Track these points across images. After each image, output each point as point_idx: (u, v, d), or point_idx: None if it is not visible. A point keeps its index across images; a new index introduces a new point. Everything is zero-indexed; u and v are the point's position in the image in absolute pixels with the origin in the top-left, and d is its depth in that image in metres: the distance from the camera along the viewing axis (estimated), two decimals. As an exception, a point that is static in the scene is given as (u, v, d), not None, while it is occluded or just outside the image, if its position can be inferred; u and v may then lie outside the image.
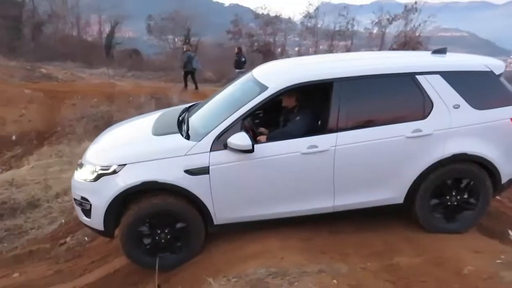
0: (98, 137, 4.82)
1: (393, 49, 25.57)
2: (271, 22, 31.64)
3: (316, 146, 3.71)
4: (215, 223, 3.83)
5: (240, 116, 3.73)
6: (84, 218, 3.97)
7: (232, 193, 3.76)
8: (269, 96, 3.78)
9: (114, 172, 3.69)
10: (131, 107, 13.12)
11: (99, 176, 3.75)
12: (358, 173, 3.82)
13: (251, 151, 3.57)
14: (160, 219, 3.76)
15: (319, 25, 31.09)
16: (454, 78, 3.90)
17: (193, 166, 3.64)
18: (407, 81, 3.87)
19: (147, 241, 3.80)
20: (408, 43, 26.19)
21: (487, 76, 3.98)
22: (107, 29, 34.08)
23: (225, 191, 3.73)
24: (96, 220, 3.82)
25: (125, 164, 3.69)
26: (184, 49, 17.37)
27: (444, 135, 3.80)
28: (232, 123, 3.70)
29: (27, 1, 31.17)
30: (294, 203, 3.83)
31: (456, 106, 3.85)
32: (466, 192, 3.93)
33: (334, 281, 3.03)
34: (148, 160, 3.71)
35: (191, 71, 16.23)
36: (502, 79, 4.09)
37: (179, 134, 3.93)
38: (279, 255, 3.48)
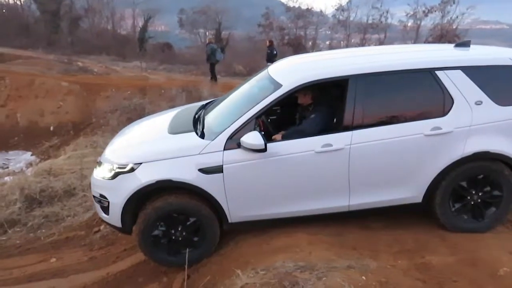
0: (116, 136, 4.91)
1: (428, 43, 24.80)
2: (303, 15, 31.34)
3: (330, 145, 3.65)
4: (229, 221, 3.85)
5: (254, 115, 3.71)
6: (103, 215, 4.07)
7: (246, 191, 3.77)
8: (282, 94, 3.73)
9: (131, 170, 3.76)
10: (163, 100, 13.35)
11: (116, 175, 3.82)
12: (374, 172, 3.75)
13: (264, 150, 3.54)
14: (175, 218, 3.82)
15: (351, 18, 30.55)
16: (477, 73, 3.73)
17: (207, 165, 3.66)
18: (426, 77, 3.72)
19: (163, 240, 3.87)
20: (444, 36, 25.29)
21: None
22: (140, 23, 34.73)
23: (238, 190, 3.74)
24: (114, 217, 3.90)
25: (141, 163, 3.75)
26: (207, 41, 17.48)
27: (465, 132, 3.65)
28: (246, 121, 3.68)
29: (65, -4, 32.14)
30: (308, 201, 3.80)
31: (479, 103, 3.69)
32: (489, 190, 3.78)
33: (363, 277, 3.00)
34: (163, 159, 3.74)
35: (214, 63, 16.31)
36: None
37: (194, 133, 3.94)
38: (307, 250, 3.48)
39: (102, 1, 34.62)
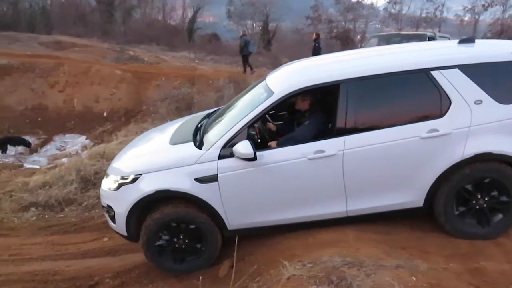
0: (125, 148, 5.05)
1: (486, 39, 23.51)
2: (352, 8, 30.70)
3: (323, 151, 3.59)
4: (229, 228, 3.89)
5: (247, 123, 3.71)
6: (111, 224, 4.21)
7: (242, 199, 3.78)
8: (274, 102, 3.71)
9: (132, 181, 3.88)
10: (211, 90, 13.61)
11: (120, 186, 3.96)
12: (370, 177, 3.64)
13: (254, 159, 3.55)
14: (176, 227, 3.91)
15: (403, 11, 29.52)
16: (476, 71, 3.53)
17: (203, 174, 3.71)
18: (421, 77, 3.56)
19: (168, 249, 3.96)
20: (505, 31, 23.89)
21: None
22: (190, 14, 35.38)
23: (235, 198, 3.76)
24: (120, 226, 4.04)
25: (141, 174, 3.87)
26: (241, 34, 17.59)
27: (465, 134, 3.46)
28: (239, 130, 3.70)
29: (119, -13, 33.33)
30: (305, 208, 3.76)
31: (478, 102, 3.48)
32: (495, 194, 3.55)
33: (413, 277, 2.94)
34: (162, 169, 3.84)
35: (246, 55, 16.36)
36: None
37: (192, 143, 3.99)
38: (355, 246, 3.45)
39: (154, -8, 35.57)
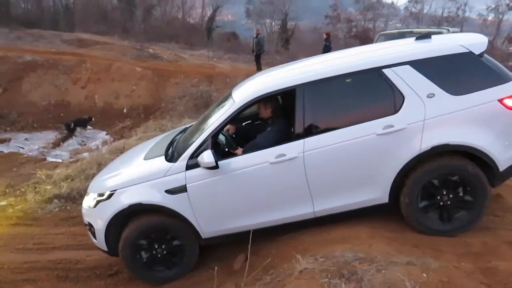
0: (107, 166, 5.21)
1: (510, 39, 23.04)
2: (372, 7, 30.41)
3: (284, 155, 3.66)
4: (203, 237, 3.98)
5: (211, 133, 3.82)
6: (93, 240, 4.30)
7: (212, 207, 3.87)
8: (235, 111, 3.83)
9: (108, 198, 4.00)
10: (229, 88, 13.60)
11: (97, 203, 4.08)
12: (333, 176, 3.70)
13: (216, 167, 3.64)
14: (153, 237, 4.01)
15: (425, 11, 29.10)
16: (426, 65, 3.59)
17: (172, 186, 3.82)
18: (373, 76, 3.64)
19: (145, 255, 4.05)
20: (529, 31, 23.33)
21: (465, 57, 3.59)
22: (209, 12, 35.60)
23: (204, 207, 3.85)
24: (100, 242, 4.14)
25: (116, 190, 3.99)
26: (256, 33, 17.24)
27: (420, 127, 3.52)
28: (204, 140, 3.80)
29: (140, -15, 33.77)
30: (275, 212, 3.82)
31: (431, 95, 3.53)
32: (458, 188, 3.59)
33: (424, 274, 2.98)
34: (134, 184, 3.95)
35: (261, 53, 16.34)
36: (485, 57, 3.62)
37: (163, 157, 4.10)
38: (367, 243, 3.50)
39: (175, -10, 35.92)
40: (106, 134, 13.09)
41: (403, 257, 3.22)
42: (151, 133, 10.29)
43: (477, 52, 3.62)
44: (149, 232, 4.00)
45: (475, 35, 4.20)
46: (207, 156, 3.64)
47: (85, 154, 10.44)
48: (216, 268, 3.55)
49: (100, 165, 7.24)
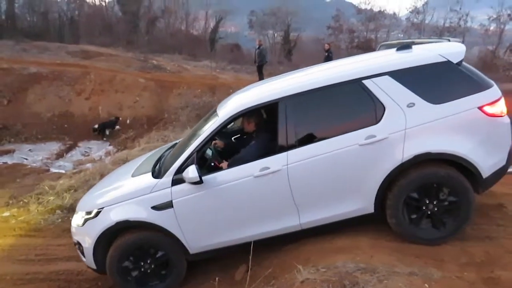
0: (96, 185, 5.22)
1: (512, 48, 23.11)
2: (374, 17, 30.57)
3: (268, 168, 3.68)
4: (190, 252, 3.98)
5: (195, 148, 3.85)
6: (83, 259, 4.31)
7: (198, 223, 3.88)
8: (218, 126, 3.87)
9: (95, 216, 4.02)
10: (231, 99, 13.74)
11: (85, 221, 4.10)
12: (317, 188, 3.71)
13: (200, 182, 3.66)
14: (139, 253, 4.01)
15: (426, 21, 29.22)
16: (405, 75, 3.63)
17: (158, 202, 3.84)
18: (354, 88, 3.69)
19: (134, 273, 4.04)
20: (531, 41, 23.36)
21: (443, 66, 3.63)
22: (212, 24, 35.91)
23: (191, 222, 3.87)
24: (89, 260, 4.16)
25: (103, 208, 4.01)
26: (258, 44, 17.23)
27: (401, 137, 3.55)
28: (189, 155, 3.83)
29: (144, -2, 34.18)
30: (261, 225, 3.83)
31: (411, 105, 3.56)
32: (441, 196, 3.59)
33: (426, 285, 2.96)
34: (121, 201, 3.97)
35: (263, 64, 16.39)
36: (464, 66, 3.67)
37: (150, 173, 4.12)
38: (369, 253, 3.49)
39: (178, 3, 36.30)
40: (110, 145, 13.15)
41: (405, 268, 3.21)
42: (154, 144, 10.34)
43: (455, 61, 3.67)
44: (134, 250, 3.99)
45: (454, 44, 4.30)
46: (192, 171, 3.66)
47: (88, 165, 10.49)
48: (217, 278, 3.55)
49: (103, 176, 7.23)
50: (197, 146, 3.87)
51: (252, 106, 3.93)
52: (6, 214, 6.92)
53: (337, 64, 4.49)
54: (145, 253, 4.02)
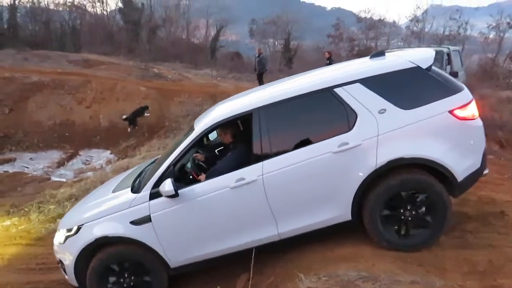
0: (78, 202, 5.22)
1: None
2: (374, 26, 30.69)
3: (243, 178, 3.69)
4: (171, 267, 3.97)
5: (172, 162, 3.88)
6: (65, 277, 4.28)
7: (177, 236, 3.88)
8: (194, 139, 3.91)
9: (75, 233, 4.02)
10: (232, 107, 13.76)
11: (66, 238, 4.10)
12: (293, 197, 3.72)
13: (175, 195, 3.67)
14: (119, 268, 4.00)
15: (426, 29, 29.33)
16: (376, 82, 3.67)
17: (137, 217, 3.85)
18: (326, 96, 3.71)
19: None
20: (531, 49, 23.43)
21: (413, 72, 3.68)
22: (213, 32, 36.13)
23: (170, 236, 3.87)
24: (71, 278, 4.14)
25: (83, 225, 4.01)
26: (258, 52, 17.29)
27: (374, 143, 3.57)
28: (166, 170, 3.85)
29: (146, 7, 34.43)
30: (238, 236, 3.82)
31: (382, 111, 3.59)
32: (418, 203, 3.61)
33: (428, 294, 2.95)
34: (100, 217, 3.97)
35: (263, 72, 16.46)
36: (434, 71, 3.71)
37: (130, 189, 4.13)
38: (371, 261, 3.48)
39: (179, 12, 36.55)
40: (110, 153, 13.15)
41: (407, 276, 3.19)
42: (154, 152, 10.35)
43: (424, 66, 3.71)
44: (113, 265, 3.98)
45: (425, 50, 4.34)
46: (168, 185, 3.68)
47: (89, 174, 10.49)
48: (218, 287, 3.53)
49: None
50: (173, 160, 3.89)
51: (226, 119, 3.95)
52: (7, 223, 6.91)
53: (315, 73, 4.53)
54: (126, 268, 4.00)
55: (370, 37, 30.76)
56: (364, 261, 3.46)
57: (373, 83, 3.68)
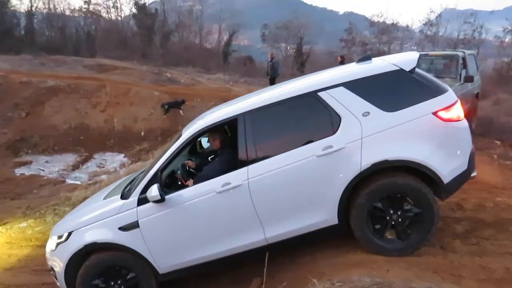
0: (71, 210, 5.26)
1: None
2: (387, 30, 30.55)
3: (229, 183, 3.69)
4: (160, 272, 3.96)
5: (159, 168, 3.89)
6: (57, 284, 4.28)
7: (165, 242, 3.88)
8: (181, 145, 3.93)
9: (66, 239, 4.04)
10: (244, 111, 13.77)
11: (57, 245, 4.12)
12: (279, 201, 3.70)
13: (162, 201, 3.68)
14: (108, 274, 4.01)
15: (440, 33, 29.06)
16: (360, 85, 3.67)
17: (125, 222, 3.87)
18: (310, 100, 3.72)
19: None
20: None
21: (396, 75, 3.66)
22: (225, 37, 36.36)
23: (158, 241, 3.86)
24: (61, 285, 4.14)
25: (72, 231, 4.03)
26: (271, 57, 17.18)
27: (358, 146, 3.56)
28: (153, 175, 3.86)
29: (159, 13, 34.84)
30: (225, 242, 3.81)
31: (366, 114, 3.58)
32: (405, 206, 3.57)
33: (444, 301, 2.91)
34: (90, 224, 4.00)
35: (275, 77, 16.38)
36: (417, 73, 3.68)
37: (119, 195, 4.14)
38: (385, 267, 3.44)
39: (192, 17, 36.90)
40: (124, 157, 13.26)
41: (422, 283, 3.15)
42: (168, 156, 10.35)
43: (407, 68, 3.69)
44: (101, 271, 3.99)
45: (408, 53, 4.32)
46: (154, 190, 3.70)
47: (103, 176, 10.59)
48: (231, 292, 3.53)
49: (117, 187, 7.32)
50: (160, 165, 3.92)
51: (211, 124, 3.97)
52: (23, 224, 7.02)
53: (303, 78, 4.55)
54: (115, 274, 4.02)
55: (383, 41, 30.63)
56: (377, 267, 3.42)
57: (356, 86, 3.69)
